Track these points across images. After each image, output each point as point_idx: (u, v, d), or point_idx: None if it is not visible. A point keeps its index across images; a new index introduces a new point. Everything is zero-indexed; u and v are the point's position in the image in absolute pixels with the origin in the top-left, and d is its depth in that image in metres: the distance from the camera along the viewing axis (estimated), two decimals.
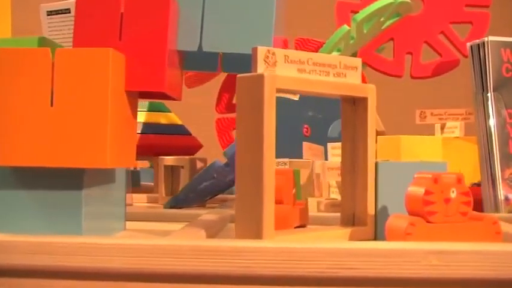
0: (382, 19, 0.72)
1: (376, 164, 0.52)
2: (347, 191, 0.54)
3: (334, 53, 0.72)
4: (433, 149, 0.57)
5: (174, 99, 0.55)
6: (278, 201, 0.57)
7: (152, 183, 1.01)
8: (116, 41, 0.49)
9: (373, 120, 0.53)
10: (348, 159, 0.53)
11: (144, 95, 0.53)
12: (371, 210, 0.52)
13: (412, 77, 0.83)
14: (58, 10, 0.85)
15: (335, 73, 0.51)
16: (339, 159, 0.55)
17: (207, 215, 0.61)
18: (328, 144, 0.76)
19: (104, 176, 0.52)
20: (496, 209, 0.67)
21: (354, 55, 0.81)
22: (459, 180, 0.46)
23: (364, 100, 0.52)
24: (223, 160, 0.72)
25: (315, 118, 0.93)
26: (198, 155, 0.96)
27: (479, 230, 0.46)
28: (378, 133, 0.90)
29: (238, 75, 0.47)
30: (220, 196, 0.79)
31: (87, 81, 0.45)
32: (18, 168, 0.47)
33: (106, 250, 0.42)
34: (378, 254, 0.41)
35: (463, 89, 1.01)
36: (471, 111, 0.93)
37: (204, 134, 1.06)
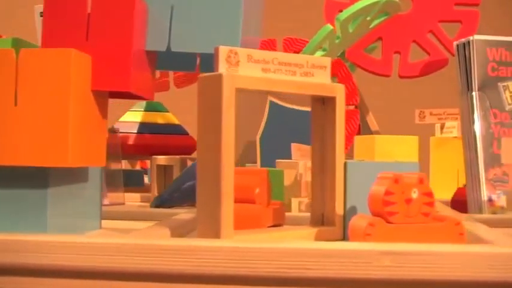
0: (368, 18, 0.72)
1: (345, 164, 0.52)
2: (316, 191, 0.53)
3: (319, 53, 0.72)
4: (409, 149, 0.57)
5: (144, 99, 0.55)
6: (250, 201, 0.58)
7: None
8: (83, 41, 0.50)
9: (342, 120, 0.52)
10: (318, 159, 0.53)
11: (114, 94, 0.53)
12: (339, 210, 0.52)
13: (400, 77, 0.82)
14: None
15: (302, 72, 0.51)
16: None
17: (183, 214, 0.61)
18: (292, 144, 0.76)
19: (75, 175, 0.53)
20: (480, 210, 0.66)
21: (342, 55, 0.81)
22: (421, 180, 0.46)
23: (332, 100, 0.52)
24: None
25: None
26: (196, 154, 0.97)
27: (441, 231, 0.46)
28: (372, 133, 0.90)
29: (200, 75, 0.47)
30: None
31: (49, 81, 0.46)
32: None
33: (64, 248, 0.42)
34: (330, 255, 0.40)
35: None
36: None
37: None
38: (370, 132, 0.90)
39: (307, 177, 0.70)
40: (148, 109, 1.03)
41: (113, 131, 0.96)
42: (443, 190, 0.75)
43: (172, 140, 1.02)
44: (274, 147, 0.80)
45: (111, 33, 0.49)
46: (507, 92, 0.68)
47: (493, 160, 0.67)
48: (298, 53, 0.76)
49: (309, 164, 0.72)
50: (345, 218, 0.52)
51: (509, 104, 0.69)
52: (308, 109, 0.53)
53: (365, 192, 0.49)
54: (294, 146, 0.83)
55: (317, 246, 0.41)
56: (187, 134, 1.03)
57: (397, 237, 0.44)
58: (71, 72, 0.46)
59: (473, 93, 0.68)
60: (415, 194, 0.45)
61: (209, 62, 0.60)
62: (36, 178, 0.48)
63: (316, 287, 0.40)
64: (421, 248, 0.40)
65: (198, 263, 0.41)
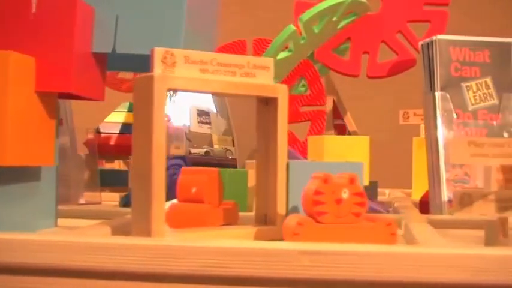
0: (334, 19, 0.72)
1: (288, 164, 0.52)
2: (260, 190, 0.54)
3: (285, 54, 0.72)
4: (359, 149, 0.57)
5: (92, 100, 0.56)
6: (198, 201, 0.58)
7: None
8: (27, 42, 0.51)
9: (284, 120, 0.53)
10: (262, 159, 0.54)
11: (64, 95, 0.54)
12: (281, 210, 0.52)
13: (368, 77, 0.82)
14: None
15: (243, 73, 0.51)
16: None
17: None
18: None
19: (25, 174, 0.54)
20: (441, 211, 0.66)
21: (311, 55, 0.81)
22: (352, 180, 0.46)
23: (274, 100, 0.52)
24: None
25: None
26: None
27: (372, 232, 0.46)
28: (350, 133, 0.90)
29: (137, 76, 0.48)
30: None
31: None
32: None
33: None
34: (250, 254, 0.41)
35: None
36: None
37: None
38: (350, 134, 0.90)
39: None
40: (131, 110, 1.04)
41: (97, 131, 0.98)
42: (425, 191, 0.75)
43: None
44: None
45: (54, 36, 0.50)
46: (470, 92, 0.68)
47: None
48: None
49: None
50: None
51: (472, 104, 0.68)
52: None
53: None
54: None
55: (237, 245, 0.41)
56: None
57: (326, 237, 0.45)
58: (8, 74, 0.47)
59: (436, 93, 0.68)
60: (345, 194, 0.46)
61: None
62: None
63: (235, 285, 0.41)
64: (338, 248, 0.40)
65: (117, 260, 0.41)
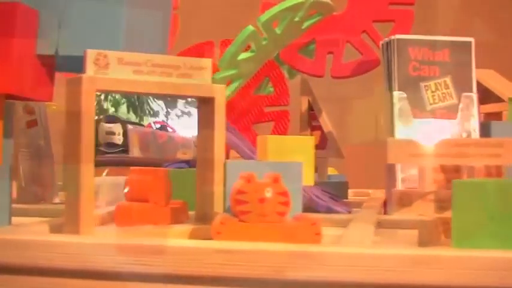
0: (296, 19, 0.72)
1: (225, 164, 0.53)
2: (200, 190, 0.54)
3: (247, 54, 0.73)
4: (304, 149, 0.57)
5: (40, 101, 0.57)
6: (144, 200, 0.59)
7: None
8: None
9: (222, 120, 0.53)
10: (202, 158, 0.54)
11: (10, 97, 0.55)
12: (219, 208, 0.53)
13: (332, 77, 0.82)
14: None
15: (179, 74, 0.52)
16: None
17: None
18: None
19: None
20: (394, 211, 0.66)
21: (277, 56, 0.81)
22: (276, 180, 0.46)
23: (211, 100, 0.53)
24: None
25: None
26: None
27: (297, 231, 0.46)
28: (326, 134, 0.90)
29: (68, 78, 0.49)
30: None
31: None
32: None
33: None
34: (166, 252, 0.41)
35: None
36: None
37: None
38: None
39: None
40: None
41: None
42: None
43: None
44: None
45: None
46: (429, 91, 0.68)
47: None
48: None
49: None
50: None
51: (430, 104, 0.68)
52: None
53: None
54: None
55: (155, 243, 0.42)
56: None
57: (249, 236, 0.45)
58: None
59: (394, 92, 0.67)
60: (269, 194, 0.46)
61: None
62: None
63: (153, 282, 0.42)
64: (250, 247, 0.41)
65: (49, 257, 0.42)
